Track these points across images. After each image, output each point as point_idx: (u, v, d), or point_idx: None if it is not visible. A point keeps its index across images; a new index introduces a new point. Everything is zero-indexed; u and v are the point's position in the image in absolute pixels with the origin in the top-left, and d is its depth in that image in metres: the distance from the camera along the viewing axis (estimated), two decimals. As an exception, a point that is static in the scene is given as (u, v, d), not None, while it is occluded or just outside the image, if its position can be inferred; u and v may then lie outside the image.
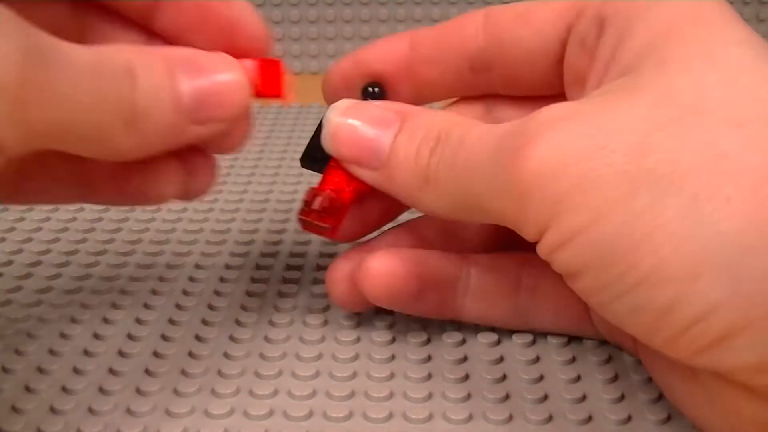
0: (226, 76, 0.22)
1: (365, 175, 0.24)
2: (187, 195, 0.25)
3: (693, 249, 0.18)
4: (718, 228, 0.18)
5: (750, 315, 0.18)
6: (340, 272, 0.26)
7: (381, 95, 0.26)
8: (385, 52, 0.27)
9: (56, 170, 0.25)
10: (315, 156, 0.25)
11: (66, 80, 0.20)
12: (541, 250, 0.21)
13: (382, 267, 0.25)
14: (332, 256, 0.31)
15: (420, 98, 0.27)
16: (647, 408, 0.23)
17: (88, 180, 0.25)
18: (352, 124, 0.24)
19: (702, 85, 0.20)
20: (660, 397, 0.24)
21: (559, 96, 0.25)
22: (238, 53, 0.23)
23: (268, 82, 0.23)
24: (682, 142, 0.19)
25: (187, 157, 0.24)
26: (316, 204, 0.24)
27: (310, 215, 0.24)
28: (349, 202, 0.25)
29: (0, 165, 0.19)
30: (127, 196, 0.24)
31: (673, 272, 0.18)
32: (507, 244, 0.27)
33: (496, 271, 0.26)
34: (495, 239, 0.28)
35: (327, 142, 0.24)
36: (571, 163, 0.19)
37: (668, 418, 0.23)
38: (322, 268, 0.31)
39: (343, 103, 0.25)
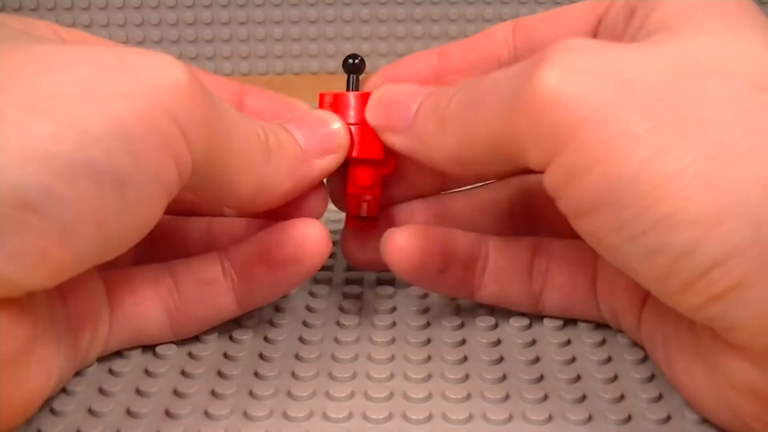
0: (331, 125, 0.25)
1: (393, 139, 0.25)
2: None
3: (716, 193, 0.18)
4: (742, 174, 0.18)
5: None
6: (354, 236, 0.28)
7: (361, 65, 0.27)
8: (413, 67, 0.28)
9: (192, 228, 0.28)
10: None
11: (222, 107, 0.22)
12: (550, 179, 0.20)
13: (407, 242, 0.25)
14: (333, 256, 0.31)
15: None
16: (647, 408, 0.23)
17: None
18: (390, 94, 0.25)
19: (729, 51, 0.20)
20: (660, 397, 0.24)
21: None
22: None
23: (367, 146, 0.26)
24: (707, 92, 0.19)
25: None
26: (363, 211, 0.27)
27: (356, 221, 0.28)
28: (379, 194, 0.27)
29: (186, 165, 0.20)
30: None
31: (695, 215, 0.18)
32: (519, 231, 0.28)
33: (510, 252, 0.27)
34: (509, 225, 0.28)
35: (368, 113, 0.25)
36: (595, 88, 0.19)
37: (668, 418, 0.23)
38: (323, 268, 0.30)
39: (387, 85, 0.26)
